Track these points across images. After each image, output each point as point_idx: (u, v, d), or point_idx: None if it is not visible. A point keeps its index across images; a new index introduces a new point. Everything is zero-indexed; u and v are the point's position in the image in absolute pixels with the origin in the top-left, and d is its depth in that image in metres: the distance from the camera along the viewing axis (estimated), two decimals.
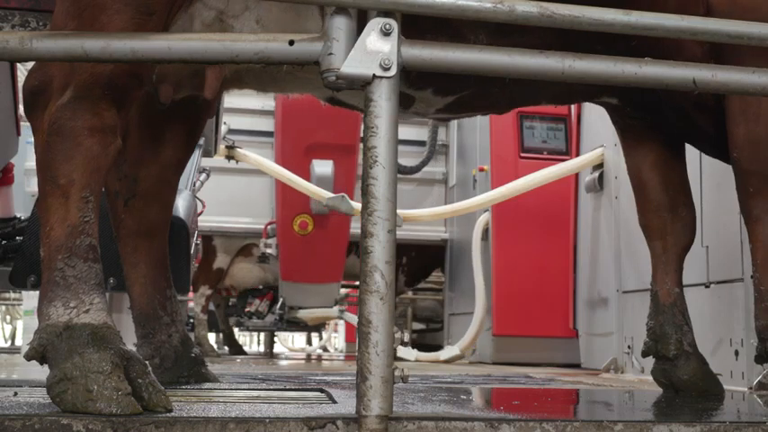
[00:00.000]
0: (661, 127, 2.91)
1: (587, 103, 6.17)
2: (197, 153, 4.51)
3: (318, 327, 9.49)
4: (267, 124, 8.11)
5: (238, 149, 7.25)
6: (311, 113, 7.35)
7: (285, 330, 8.78)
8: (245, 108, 7.98)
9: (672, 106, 2.78)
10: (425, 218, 7.19)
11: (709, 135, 2.78)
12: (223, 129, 6.17)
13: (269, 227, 7.93)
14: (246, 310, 8.58)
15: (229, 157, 7.24)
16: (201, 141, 4.50)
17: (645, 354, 2.88)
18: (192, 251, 3.65)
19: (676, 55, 2.43)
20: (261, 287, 8.64)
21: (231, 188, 7.85)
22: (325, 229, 7.67)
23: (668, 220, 2.90)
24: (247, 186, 8.01)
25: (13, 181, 4.83)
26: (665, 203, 2.91)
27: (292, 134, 7.66)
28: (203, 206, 5.12)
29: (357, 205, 6.06)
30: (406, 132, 7.99)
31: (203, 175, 5.22)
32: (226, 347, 9.79)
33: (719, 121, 2.67)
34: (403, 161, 8.08)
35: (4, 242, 4.14)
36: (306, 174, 7.43)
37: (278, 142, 7.84)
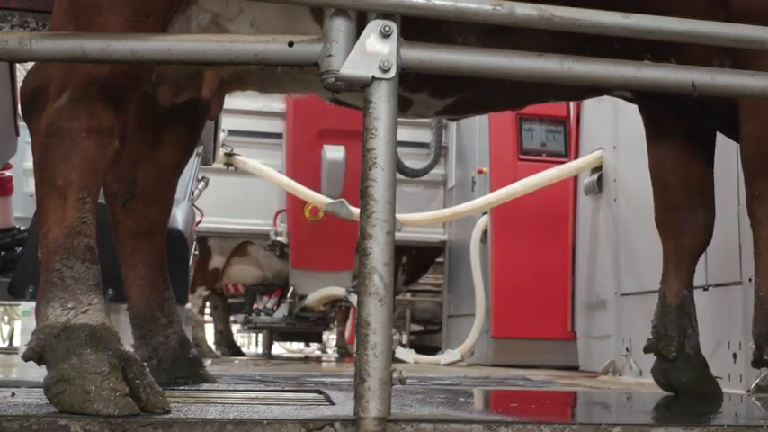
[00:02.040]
0: (689, 116, 2.81)
1: (587, 105, 6.19)
2: (196, 161, 4.50)
3: (326, 319, 9.35)
4: (267, 125, 8.10)
5: (237, 156, 7.21)
6: (322, 99, 7.31)
7: (295, 325, 8.67)
8: (244, 109, 7.97)
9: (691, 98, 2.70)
10: (425, 221, 7.18)
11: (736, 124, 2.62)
12: (222, 136, 6.16)
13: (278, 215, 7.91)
14: (255, 306, 8.52)
15: (228, 164, 7.21)
16: (200, 149, 4.48)
17: (647, 350, 2.85)
18: (190, 262, 3.63)
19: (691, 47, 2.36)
20: (260, 285, 8.60)
21: (225, 189, 7.83)
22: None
23: (684, 220, 2.83)
24: (241, 187, 7.99)
25: (12, 191, 4.80)
26: (683, 203, 2.83)
27: (303, 120, 7.63)
28: (201, 215, 5.10)
29: (356, 210, 6.01)
30: (407, 134, 7.99)
31: (201, 184, 5.20)
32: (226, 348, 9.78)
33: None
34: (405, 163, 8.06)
35: (3, 253, 4.13)
36: (317, 159, 7.40)
37: (289, 129, 7.81)
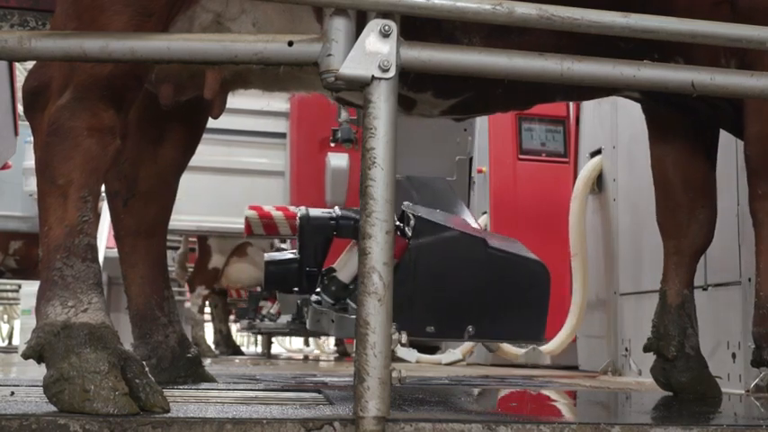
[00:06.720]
0: (692, 117, 2.80)
1: (586, 106, 6.19)
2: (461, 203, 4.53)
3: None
4: (270, 125, 8.09)
5: None
6: (325, 105, 7.28)
7: (297, 330, 8.65)
8: (244, 109, 7.94)
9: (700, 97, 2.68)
10: (560, 347, 6.73)
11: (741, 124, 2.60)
12: None
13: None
14: (260, 312, 8.48)
15: None
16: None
17: (646, 349, 2.85)
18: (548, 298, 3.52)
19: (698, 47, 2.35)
20: (263, 291, 8.56)
21: (225, 189, 7.82)
22: None
23: (685, 220, 2.82)
24: (242, 187, 7.97)
25: None
26: (684, 203, 2.83)
27: (306, 127, 7.60)
28: None
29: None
30: None
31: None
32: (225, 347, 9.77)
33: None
34: None
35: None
36: (321, 166, 7.37)
37: (292, 135, 7.78)
